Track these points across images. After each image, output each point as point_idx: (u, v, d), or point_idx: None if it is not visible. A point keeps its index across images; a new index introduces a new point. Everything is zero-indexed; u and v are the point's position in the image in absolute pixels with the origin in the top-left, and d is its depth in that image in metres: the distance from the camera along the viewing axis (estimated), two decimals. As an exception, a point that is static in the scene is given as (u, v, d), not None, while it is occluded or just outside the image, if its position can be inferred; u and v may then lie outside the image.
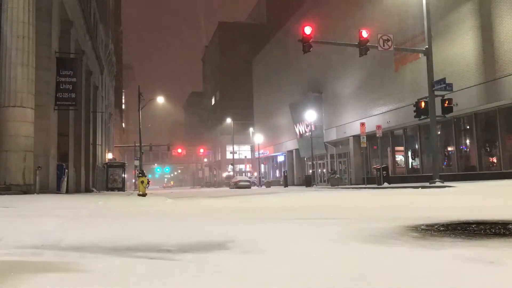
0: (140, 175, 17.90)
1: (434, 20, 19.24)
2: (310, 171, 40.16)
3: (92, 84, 26.72)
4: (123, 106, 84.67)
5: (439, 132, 22.29)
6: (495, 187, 12.55)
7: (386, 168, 23.96)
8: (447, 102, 17.67)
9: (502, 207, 5.80)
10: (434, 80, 17.80)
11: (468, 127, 21.86)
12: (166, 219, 5.33)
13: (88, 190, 23.90)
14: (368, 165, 29.72)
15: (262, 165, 56.74)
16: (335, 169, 35.18)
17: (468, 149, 22.11)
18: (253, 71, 60.16)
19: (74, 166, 20.45)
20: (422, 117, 18.31)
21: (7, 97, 12.84)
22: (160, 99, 42.10)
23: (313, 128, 35.98)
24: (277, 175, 51.71)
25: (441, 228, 3.54)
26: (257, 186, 47.14)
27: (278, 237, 3.39)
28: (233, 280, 1.95)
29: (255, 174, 59.25)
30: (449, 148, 23.27)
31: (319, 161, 39.90)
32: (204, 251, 2.69)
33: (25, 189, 12.49)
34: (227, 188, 43.35)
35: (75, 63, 17.30)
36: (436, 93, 17.81)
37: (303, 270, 2.15)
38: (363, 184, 26.75)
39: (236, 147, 62.67)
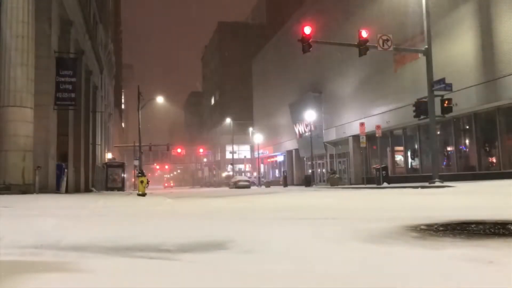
0: (139, 175, 17.90)
1: (434, 20, 19.23)
2: (310, 171, 40.15)
3: (92, 84, 26.71)
4: (123, 106, 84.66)
5: (438, 132, 22.28)
6: (495, 187, 12.54)
7: (385, 168, 23.94)
8: (446, 102, 17.66)
9: (502, 207, 5.80)
10: (434, 80, 17.79)
11: (467, 127, 21.84)
12: (165, 219, 5.33)
13: (87, 190, 23.88)
14: (368, 165, 29.73)
15: (262, 165, 56.73)
16: (335, 169, 35.18)
17: (467, 149, 22.10)
18: (253, 71, 60.13)
19: (74, 166, 20.43)
20: (422, 117, 18.28)
21: (7, 97, 12.83)
22: (160, 99, 42.12)
23: (312, 128, 35.99)
24: (277, 175, 51.69)
25: (441, 228, 3.54)
26: (257, 186, 47.10)
27: (278, 237, 3.39)
28: (233, 280, 1.95)
29: (255, 174, 59.20)
30: (449, 148, 23.27)
31: (319, 161, 39.90)
32: (204, 251, 2.69)
33: (25, 189, 12.47)
34: (227, 188, 43.32)
35: (75, 63, 17.29)
36: (436, 93, 17.80)
37: (303, 270, 2.15)
38: (363, 184, 26.76)
39: (235, 147, 62.66)
